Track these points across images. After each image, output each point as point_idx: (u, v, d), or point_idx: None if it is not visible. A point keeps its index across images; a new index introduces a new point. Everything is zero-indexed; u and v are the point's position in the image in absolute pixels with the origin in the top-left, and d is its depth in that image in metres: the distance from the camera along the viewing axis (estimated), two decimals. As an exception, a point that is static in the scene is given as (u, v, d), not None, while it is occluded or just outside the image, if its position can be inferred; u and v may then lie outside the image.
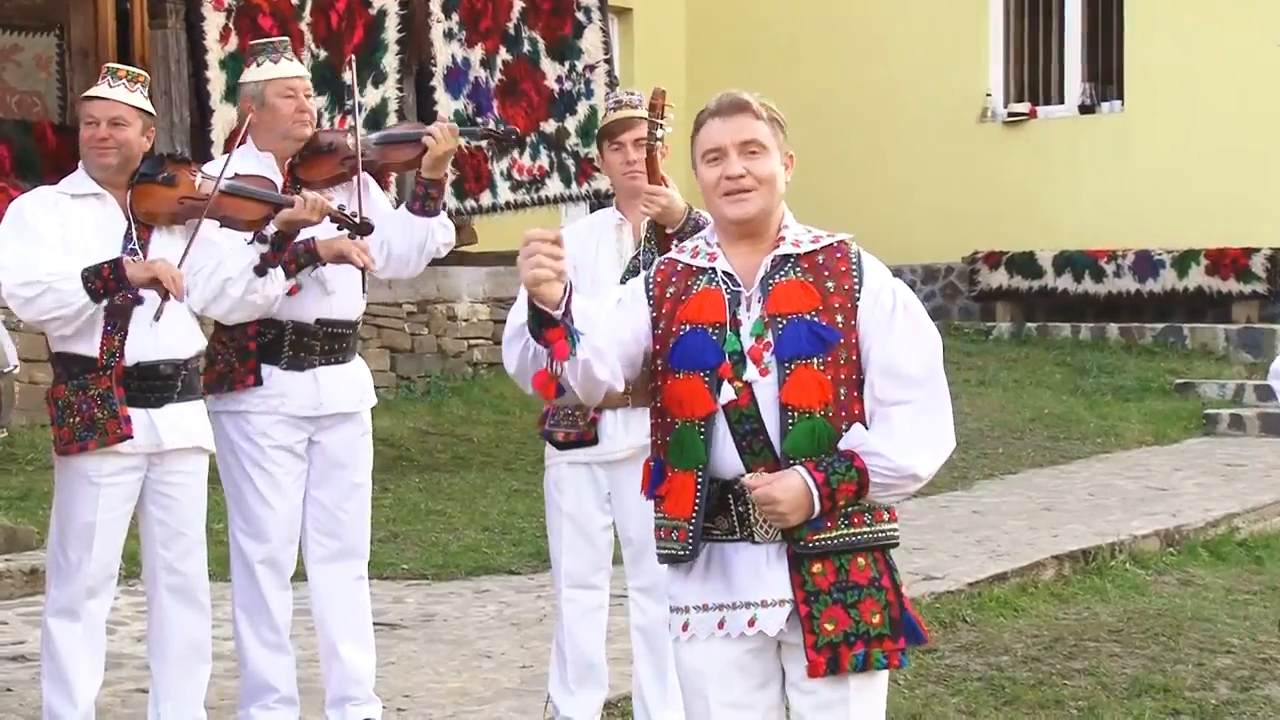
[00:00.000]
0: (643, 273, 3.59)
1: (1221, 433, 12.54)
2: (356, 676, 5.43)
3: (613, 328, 3.40)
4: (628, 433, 5.12)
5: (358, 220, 5.18)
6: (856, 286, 3.40)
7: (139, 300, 4.87)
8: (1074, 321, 15.23)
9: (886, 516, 3.45)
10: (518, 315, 3.31)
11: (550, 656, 5.45)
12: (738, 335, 3.40)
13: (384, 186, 5.37)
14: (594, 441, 5.17)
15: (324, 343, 5.32)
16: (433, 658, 6.46)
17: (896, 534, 3.48)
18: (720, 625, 3.43)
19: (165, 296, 4.85)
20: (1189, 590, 7.90)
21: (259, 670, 5.34)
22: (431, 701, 5.87)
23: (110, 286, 4.82)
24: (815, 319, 3.37)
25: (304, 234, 5.17)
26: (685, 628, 3.47)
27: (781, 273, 3.42)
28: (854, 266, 3.43)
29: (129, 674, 6.03)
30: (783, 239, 3.46)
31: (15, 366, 4.93)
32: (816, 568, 3.37)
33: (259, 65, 5.32)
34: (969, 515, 9.31)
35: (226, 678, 5.90)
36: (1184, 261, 14.78)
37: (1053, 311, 15.57)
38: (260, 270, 5.05)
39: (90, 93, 5.02)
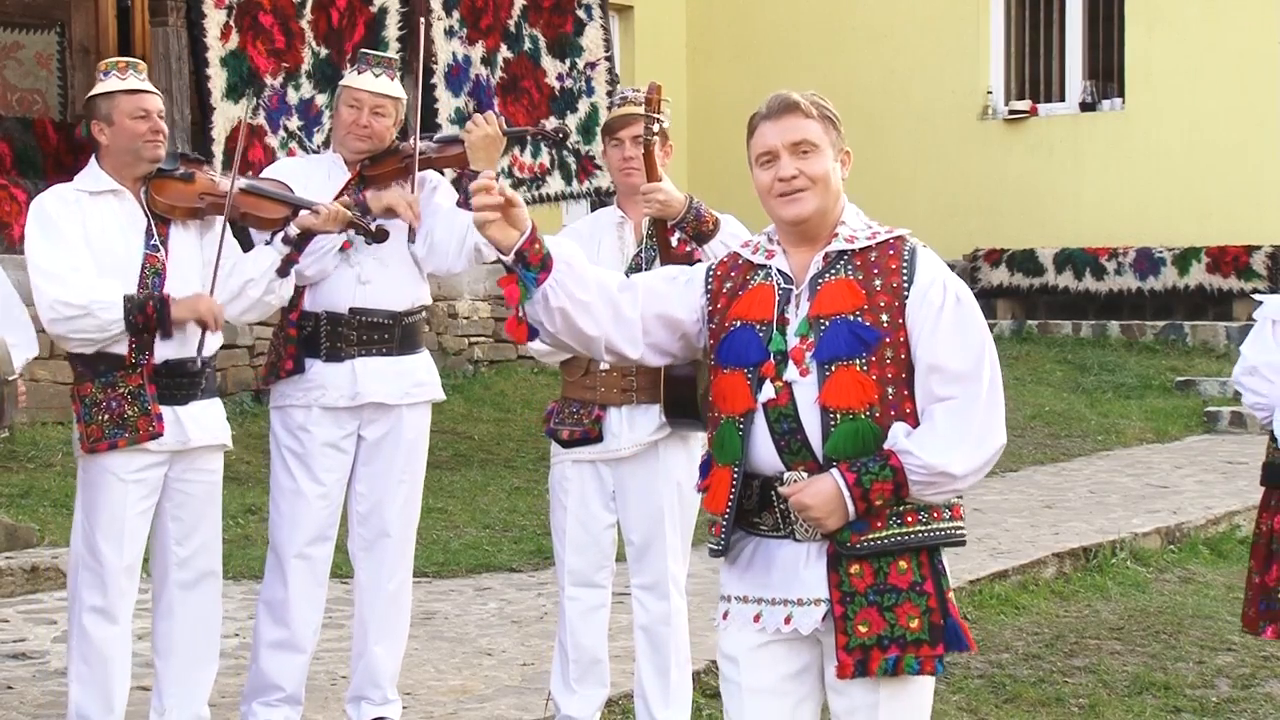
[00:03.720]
0: (706, 263, 3.61)
1: (1222, 430, 12.54)
2: (375, 678, 5.44)
3: (650, 295, 3.43)
4: (632, 430, 5.11)
5: (374, 229, 5.22)
6: (905, 284, 3.36)
7: (169, 335, 4.89)
8: (1075, 319, 15.24)
9: (947, 514, 3.39)
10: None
11: (552, 654, 5.45)
12: (784, 334, 3.38)
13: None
14: (599, 439, 5.16)
15: (360, 332, 5.33)
16: (434, 655, 6.46)
17: (959, 532, 3.42)
18: (756, 619, 3.43)
19: (204, 330, 4.90)
20: (1190, 588, 7.90)
21: (268, 669, 5.35)
22: (432, 699, 5.87)
23: (152, 324, 4.83)
24: (858, 319, 3.33)
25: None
26: (726, 615, 3.49)
27: (833, 271, 3.40)
28: (905, 264, 3.38)
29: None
30: (836, 235, 3.43)
31: (17, 375, 4.94)
32: (854, 569, 3.33)
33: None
34: (970, 513, 9.23)
35: (227, 675, 5.90)
36: (1185, 259, 14.78)
37: (1054, 309, 15.58)
38: (283, 271, 5.09)
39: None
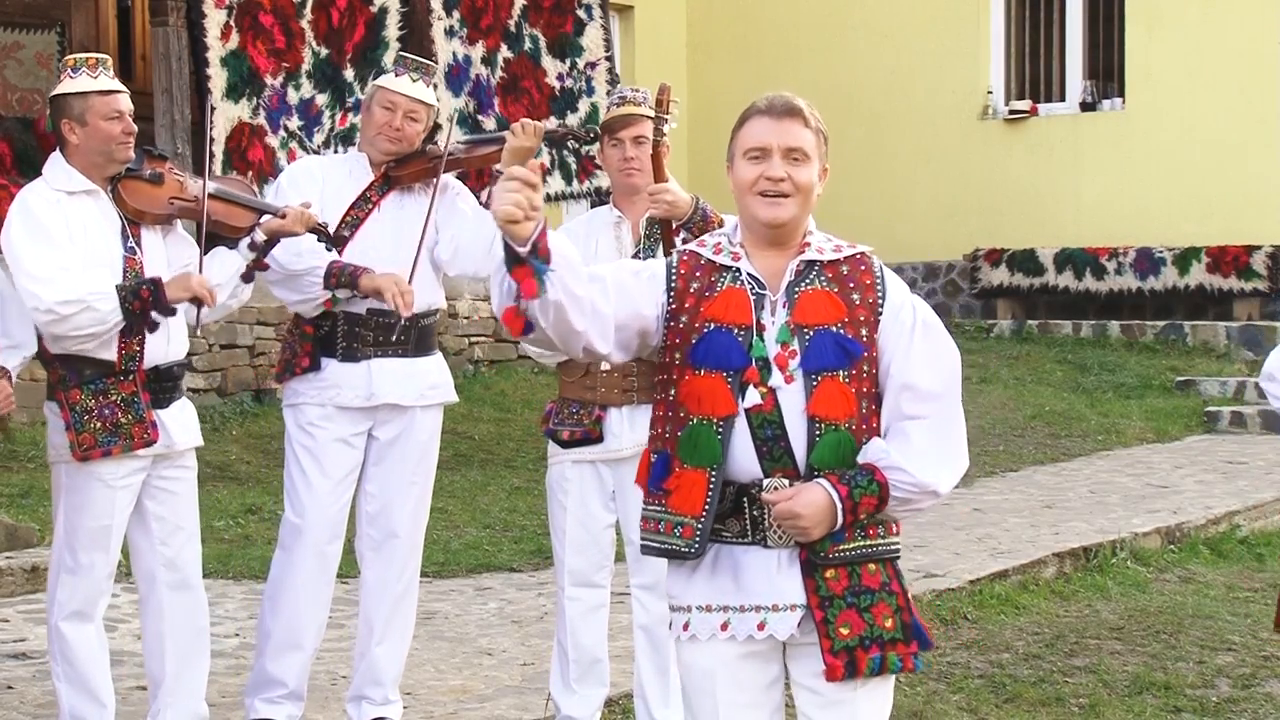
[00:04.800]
0: (665, 259, 3.57)
1: (1222, 430, 12.54)
2: (377, 678, 5.44)
3: (621, 290, 3.37)
4: (633, 430, 5.11)
5: (330, 234, 5.23)
6: (880, 301, 3.40)
7: (172, 313, 4.87)
8: (1075, 319, 15.24)
9: (895, 530, 3.47)
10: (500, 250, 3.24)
11: (552, 654, 5.45)
12: (762, 340, 3.38)
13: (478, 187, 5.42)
14: (599, 439, 5.16)
15: (376, 333, 5.34)
16: (434, 655, 6.46)
17: (899, 547, 3.50)
18: (724, 627, 3.42)
19: (199, 306, 4.87)
20: (1190, 588, 7.90)
21: (271, 665, 5.35)
22: (433, 699, 5.87)
23: (148, 307, 4.79)
24: (841, 331, 3.37)
25: (356, 257, 5.27)
26: (686, 627, 3.46)
27: (807, 280, 3.41)
28: (878, 281, 3.43)
29: (129, 671, 6.02)
30: (807, 244, 3.45)
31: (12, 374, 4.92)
32: (830, 573, 3.37)
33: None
34: (970, 513, 9.31)
35: (228, 674, 5.91)
36: (1185, 259, 14.78)
37: (1054, 309, 15.58)
38: (247, 277, 5.09)
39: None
